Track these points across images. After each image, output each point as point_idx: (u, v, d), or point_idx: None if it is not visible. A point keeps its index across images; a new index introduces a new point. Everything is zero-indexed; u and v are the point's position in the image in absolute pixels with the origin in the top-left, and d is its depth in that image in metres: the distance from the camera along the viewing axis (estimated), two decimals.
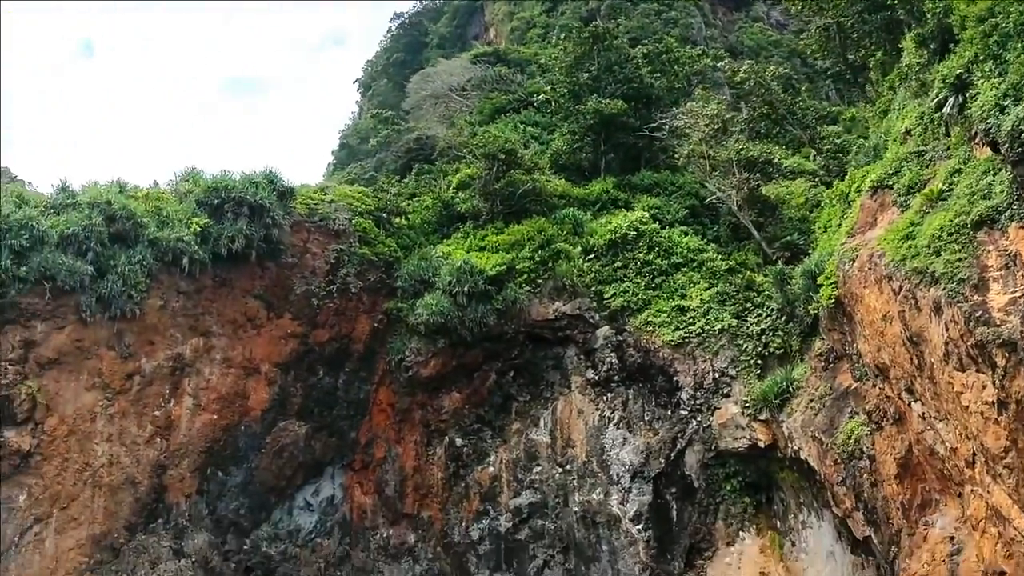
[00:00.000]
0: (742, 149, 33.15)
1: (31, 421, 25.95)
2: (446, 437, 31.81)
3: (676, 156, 36.07)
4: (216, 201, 29.90)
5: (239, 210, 29.89)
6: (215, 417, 28.93)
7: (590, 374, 30.73)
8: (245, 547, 28.43)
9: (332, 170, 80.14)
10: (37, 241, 26.86)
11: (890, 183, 24.36)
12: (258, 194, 30.20)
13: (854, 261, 23.46)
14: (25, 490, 25.51)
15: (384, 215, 34.63)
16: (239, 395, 29.56)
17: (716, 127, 34.36)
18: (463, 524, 30.74)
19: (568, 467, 30.10)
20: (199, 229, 29.22)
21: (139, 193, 30.53)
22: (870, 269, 22.57)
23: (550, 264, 31.78)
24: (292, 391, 30.63)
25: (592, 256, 32.01)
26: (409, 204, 37.17)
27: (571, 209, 34.32)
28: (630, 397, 29.78)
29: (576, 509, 29.45)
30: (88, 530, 26.12)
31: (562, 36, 45.96)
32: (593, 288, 31.30)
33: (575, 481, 29.82)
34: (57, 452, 26.16)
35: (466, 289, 30.65)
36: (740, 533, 27.67)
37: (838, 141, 36.89)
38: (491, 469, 31.02)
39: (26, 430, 25.85)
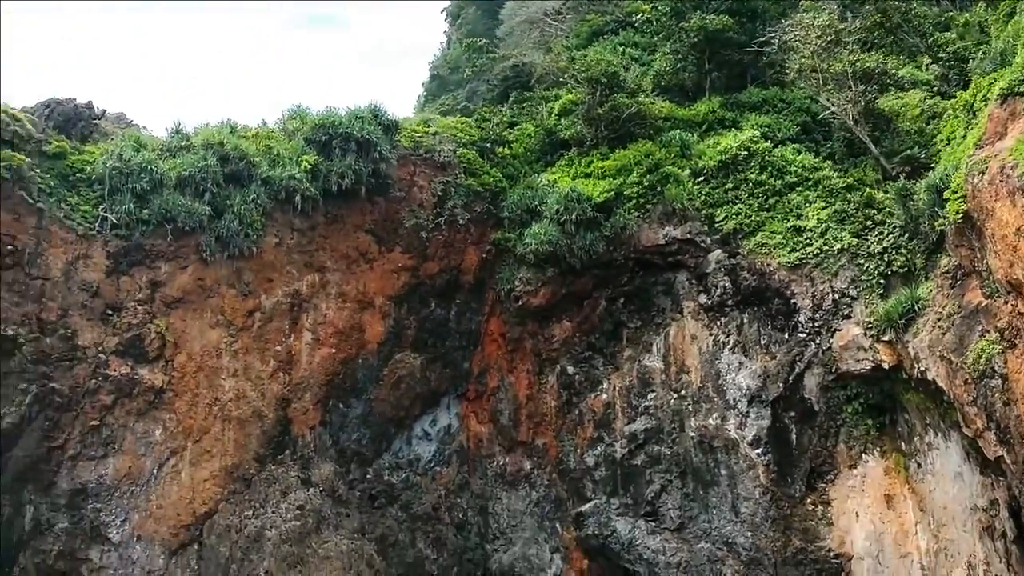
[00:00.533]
0: (857, 60, 31.76)
1: (162, 359, 26.95)
2: (558, 365, 31.93)
3: (785, 71, 34.77)
4: (324, 138, 30.15)
5: (347, 146, 30.07)
6: (333, 351, 29.55)
7: (702, 299, 30.32)
8: (368, 476, 29.22)
9: (423, 102, 79.81)
10: (156, 184, 27.56)
11: (1021, 90, 23.12)
12: (364, 129, 30.31)
13: (983, 174, 22.44)
14: (160, 424, 26.61)
15: (487, 145, 34.47)
16: (355, 329, 30.11)
17: (828, 39, 32.89)
18: (578, 451, 30.98)
19: (683, 392, 29.93)
20: (309, 166, 29.56)
21: (249, 133, 30.98)
22: (1001, 181, 21.60)
23: (658, 188, 31.21)
24: (406, 323, 31.07)
25: (702, 178, 31.32)
26: (511, 133, 36.84)
27: (677, 131, 33.52)
28: (745, 321, 29.33)
29: (692, 434, 29.35)
30: (220, 462, 27.16)
31: None
32: (704, 211, 30.69)
33: (690, 406, 29.67)
34: (187, 388, 27.14)
35: (574, 217, 30.39)
36: (863, 456, 27.24)
37: (956, 48, 35.09)
38: (604, 396, 31.07)
39: (158, 367, 26.86)
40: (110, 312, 26.62)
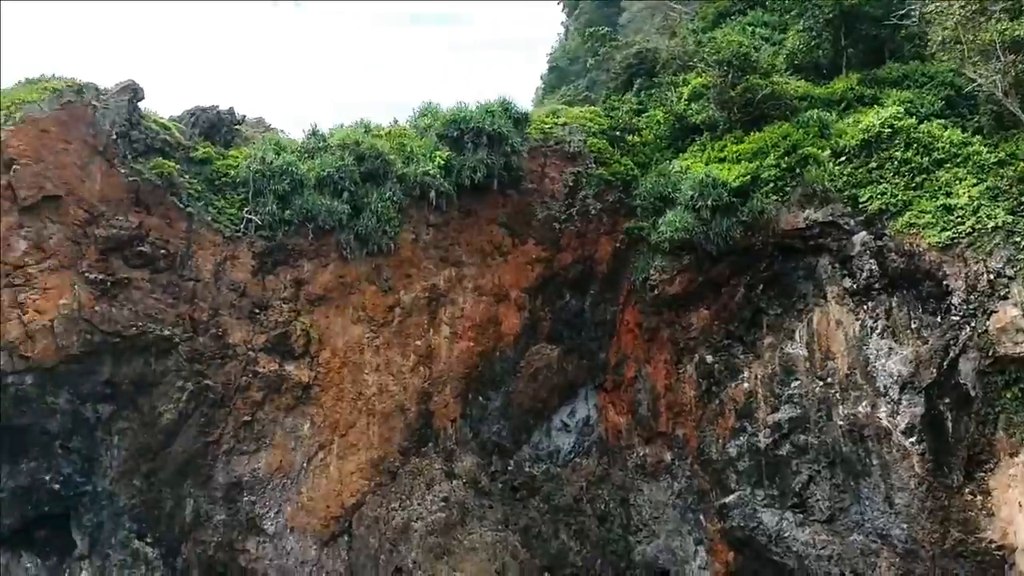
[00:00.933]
0: (1006, 29, 30.12)
1: (307, 355, 27.67)
2: (696, 355, 31.38)
3: (926, 44, 33.27)
4: (455, 133, 30.47)
5: (478, 140, 30.31)
6: (471, 344, 29.82)
7: (847, 283, 29.26)
8: (510, 468, 29.39)
9: (542, 95, 79.67)
10: (297, 184, 28.28)
11: None
12: (495, 123, 30.47)
13: None
14: (308, 419, 27.34)
15: (617, 134, 34.16)
16: (492, 322, 30.29)
17: (972, 8, 31.33)
18: (720, 441, 30.40)
19: (829, 380, 28.97)
20: (442, 162, 29.91)
21: (382, 132, 31.53)
22: None
23: (797, 170, 30.27)
24: (541, 315, 31.10)
25: (843, 158, 30.22)
26: (639, 120, 36.39)
27: (814, 111, 32.44)
28: (893, 305, 28.17)
29: (841, 423, 28.39)
30: (366, 455, 27.74)
31: None
32: (846, 192, 29.59)
33: (837, 394, 28.70)
34: (332, 383, 27.79)
35: (709, 203, 29.76)
36: None
37: None
38: (745, 385, 30.37)
39: (304, 363, 27.59)
40: (257, 311, 27.47)
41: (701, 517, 30.33)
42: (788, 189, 30.27)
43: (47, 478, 25.04)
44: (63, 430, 25.07)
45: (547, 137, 32.48)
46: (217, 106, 30.43)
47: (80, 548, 25.41)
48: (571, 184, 31.97)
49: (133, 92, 27.35)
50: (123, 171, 26.31)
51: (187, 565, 25.72)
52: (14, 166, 24.88)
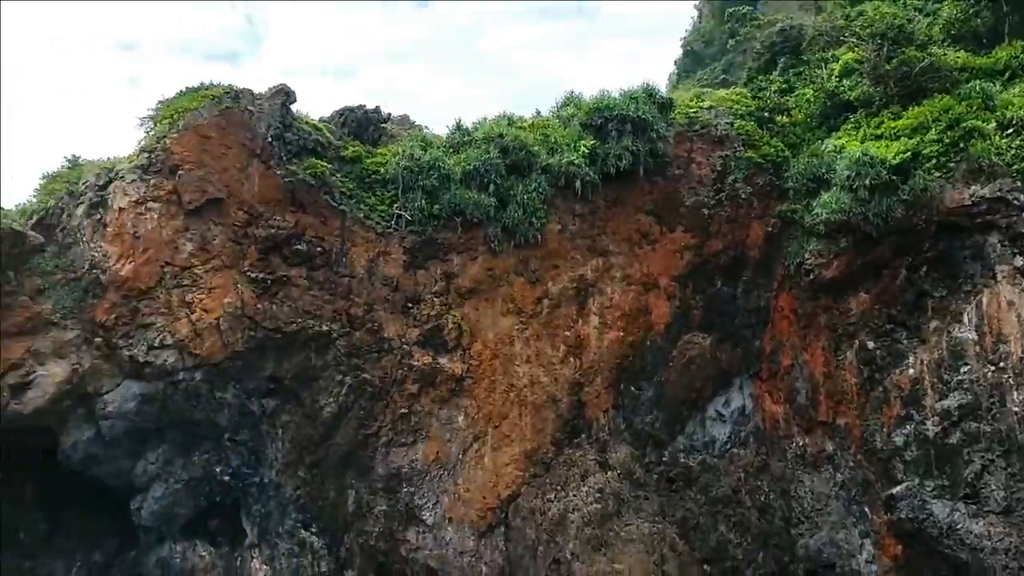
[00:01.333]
0: None
1: (460, 348, 27.93)
2: (856, 341, 30.14)
3: None
4: (599, 121, 30.19)
5: (622, 128, 29.94)
6: (621, 334, 29.49)
7: (1019, 261, 27.58)
8: (664, 459, 28.94)
9: (676, 80, 78.33)
10: (444, 179, 28.57)
11: None
12: (639, 109, 30.03)
13: None
14: (462, 411, 27.60)
15: (765, 115, 33.21)
16: (641, 311, 29.88)
17: None
18: (884, 430, 29.12)
19: (1001, 364, 27.36)
20: (587, 151, 29.69)
21: (525, 123, 31.53)
22: None
23: (961, 145, 28.67)
24: (692, 303, 30.50)
25: (1011, 131, 28.45)
26: (788, 100, 35.26)
27: (976, 82, 30.69)
28: None
29: (1016, 409, 26.77)
30: (520, 446, 27.79)
31: None
32: (1015, 167, 27.86)
33: (1011, 379, 27.07)
34: (485, 375, 27.97)
35: (867, 182, 28.52)
36: None
37: None
38: (911, 371, 28.98)
39: (456, 356, 27.86)
40: (410, 305, 27.89)
41: (866, 509, 29.14)
42: (952, 165, 28.74)
43: (218, 470, 26.12)
44: (231, 424, 26.05)
45: (692, 121, 31.84)
46: (364, 105, 31.02)
47: (250, 537, 26.39)
48: (719, 168, 31.25)
49: (286, 95, 28.16)
50: (279, 172, 27.12)
51: (350, 555, 26.35)
52: (179, 171, 25.98)
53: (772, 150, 32.07)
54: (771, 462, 29.82)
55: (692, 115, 31.97)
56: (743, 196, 31.08)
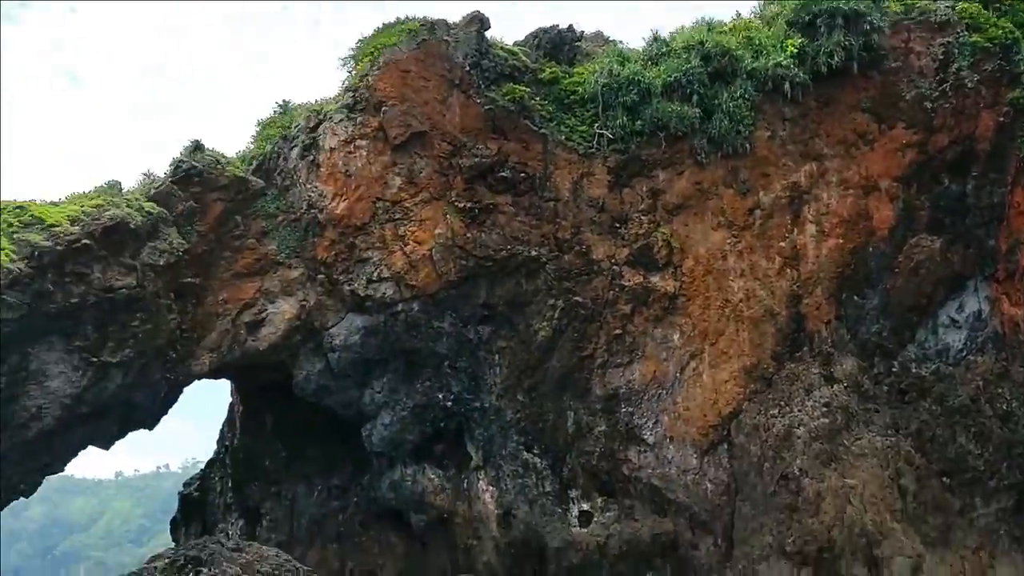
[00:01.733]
0: None
1: (670, 265, 27.35)
2: None
3: None
4: (807, 17, 28.38)
5: (832, 22, 27.99)
6: (840, 241, 27.98)
7: None
8: (894, 369, 27.43)
9: None
10: (645, 94, 27.75)
11: None
12: (851, 1, 27.99)
13: None
14: (677, 329, 27.11)
15: None
16: (861, 216, 28.20)
17: None
18: None
19: None
20: (795, 51, 28.01)
21: (726, 27, 30.12)
22: None
23: None
24: (916, 204, 28.48)
25: None
26: None
27: None
28: None
29: None
30: (738, 362, 27.04)
31: None
32: None
33: None
34: (698, 292, 27.30)
35: None
36: None
37: None
38: None
39: (668, 274, 27.32)
40: (617, 225, 27.49)
41: None
42: None
43: (440, 396, 26.86)
44: (450, 352, 26.67)
45: (909, 9, 29.38)
46: (557, 25, 30.45)
47: (475, 460, 27.12)
48: (941, 57, 28.75)
49: (480, 23, 28.01)
50: (478, 101, 27.13)
51: (572, 475, 26.61)
52: (383, 108, 26.46)
53: (1000, 32, 29.19)
54: (1012, 368, 27.67)
55: (909, 2, 29.53)
56: (969, 85, 28.54)
